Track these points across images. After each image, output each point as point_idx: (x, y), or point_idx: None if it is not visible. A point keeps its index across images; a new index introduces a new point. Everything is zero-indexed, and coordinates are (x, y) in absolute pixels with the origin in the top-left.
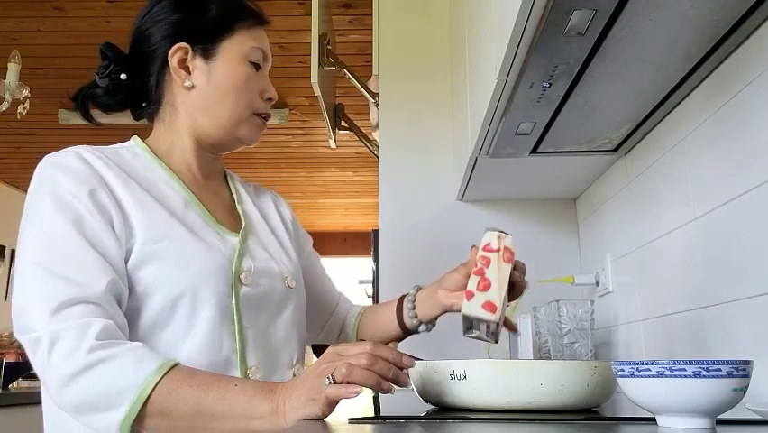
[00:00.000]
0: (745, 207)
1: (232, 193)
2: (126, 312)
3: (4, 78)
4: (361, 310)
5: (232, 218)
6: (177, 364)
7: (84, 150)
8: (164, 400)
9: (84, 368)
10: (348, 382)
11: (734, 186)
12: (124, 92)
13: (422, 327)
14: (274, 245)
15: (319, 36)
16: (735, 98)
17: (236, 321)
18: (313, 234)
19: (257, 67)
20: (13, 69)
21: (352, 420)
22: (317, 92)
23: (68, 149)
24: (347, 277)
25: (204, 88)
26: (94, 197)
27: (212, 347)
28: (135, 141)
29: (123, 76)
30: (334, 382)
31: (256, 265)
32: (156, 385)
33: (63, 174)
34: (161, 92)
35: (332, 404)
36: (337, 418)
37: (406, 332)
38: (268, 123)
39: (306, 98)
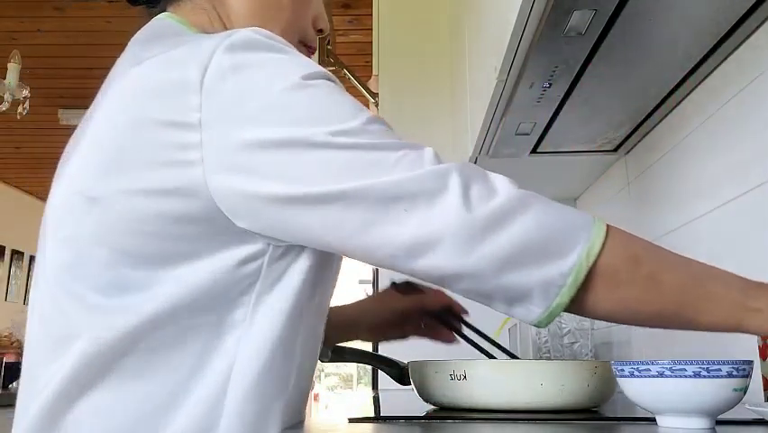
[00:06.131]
0: (745, 207)
1: None
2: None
3: (4, 78)
4: None
5: None
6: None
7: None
8: (649, 258)
9: (520, 204)
10: None
11: (734, 186)
12: None
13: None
14: None
15: None
16: (734, 98)
17: None
18: None
19: None
20: (13, 69)
21: (353, 420)
22: None
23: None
24: (347, 277)
25: None
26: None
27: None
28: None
29: None
30: None
31: None
32: (607, 236)
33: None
34: None
35: None
36: (337, 417)
37: None
38: None
39: None
